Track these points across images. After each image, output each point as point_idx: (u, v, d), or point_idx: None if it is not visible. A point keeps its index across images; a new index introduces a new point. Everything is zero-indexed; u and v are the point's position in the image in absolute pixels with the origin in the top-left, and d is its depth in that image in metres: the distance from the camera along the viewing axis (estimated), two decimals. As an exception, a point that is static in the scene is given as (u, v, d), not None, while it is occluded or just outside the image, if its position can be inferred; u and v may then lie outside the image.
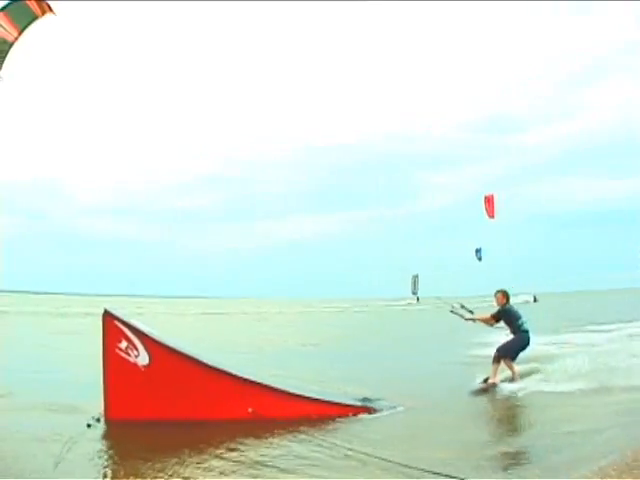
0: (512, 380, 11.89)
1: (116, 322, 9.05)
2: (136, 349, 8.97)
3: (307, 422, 9.23)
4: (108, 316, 9.06)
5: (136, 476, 6.83)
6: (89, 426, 8.66)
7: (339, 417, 9.63)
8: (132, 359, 8.98)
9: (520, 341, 12.01)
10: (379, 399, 10.67)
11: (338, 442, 8.16)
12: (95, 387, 9.16)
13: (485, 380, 11.95)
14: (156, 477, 6.76)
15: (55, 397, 10.87)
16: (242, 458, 7.52)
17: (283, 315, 56.85)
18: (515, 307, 12.45)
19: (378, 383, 12.19)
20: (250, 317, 52.73)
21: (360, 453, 7.59)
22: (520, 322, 12.12)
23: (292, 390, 9.93)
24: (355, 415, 9.79)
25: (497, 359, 11.96)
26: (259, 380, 9.73)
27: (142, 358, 8.99)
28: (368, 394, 10.94)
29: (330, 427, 9.16)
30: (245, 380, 9.54)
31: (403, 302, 73.93)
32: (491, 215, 34.69)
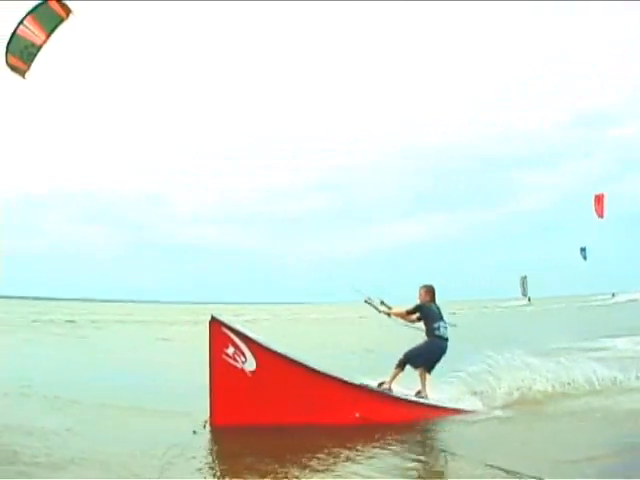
0: (418, 394, 10.38)
1: (223, 328, 9.34)
2: (243, 355, 9.25)
3: (415, 427, 9.43)
4: (215, 322, 9.37)
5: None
6: (195, 432, 8.95)
7: (444, 420, 9.83)
8: (239, 365, 9.26)
9: (432, 347, 10.47)
10: (481, 401, 10.89)
11: (446, 447, 8.29)
12: (201, 393, 9.47)
13: (380, 384, 10.37)
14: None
15: (162, 403, 11.32)
16: (352, 467, 7.63)
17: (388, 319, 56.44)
18: (438, 309, 10.81)
19: (480, 384, 12.13)
20: (356, 321, 52.77)
21: (473, 460, 7.65)
22: (436, 325, 10.50)
23: (398, 394, 10.10)
24: (459, 417, 10.00)
25: (401, 364, 10.38)
26: (365, 384, 9.92)
27: (249, 364, 9.26)
28: (469, 396, 11.20)
29: (437, 431, 9.35)
30: (352, 384, 9.70)
31: (515, 303, 72.63)
32: (600, 215, 33.97)
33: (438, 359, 10.44)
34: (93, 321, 45.49)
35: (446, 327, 10.60)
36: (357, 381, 9.93)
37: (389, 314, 11.13)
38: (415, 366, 10.43)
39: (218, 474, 7.46)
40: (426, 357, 10.40)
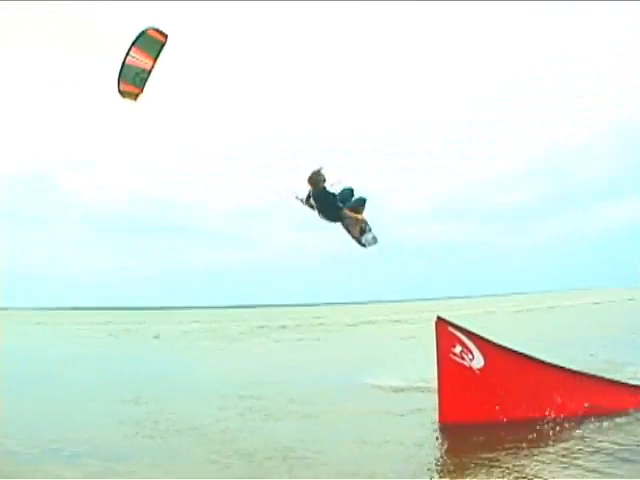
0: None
1: (449, 328, 9.70)
2: (470, 352, 9.56)
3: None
4: (441, 322, 9.75)
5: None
6: (427, 430, 9.52)
7: None
8: (467, 363, 9.58)
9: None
10: None
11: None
12: (430, 391, 10.10)
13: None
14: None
15: (393, 401, 12.01)
16: (591, 461, 7.62)
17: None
18: (326, 197, 10.03)
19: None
20: (591, 308, 51.23)
21: None
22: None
23: (627, 381, 10.09)
24: None
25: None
26: (593, 373, 9.97)
27: (477, 361, 9.57)
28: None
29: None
30: (581, 374, 9.79)
31: None
32: None
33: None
34: (320, 324, 47.41)
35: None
36: None
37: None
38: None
39: (452, 472, 7.71)
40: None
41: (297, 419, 10.92)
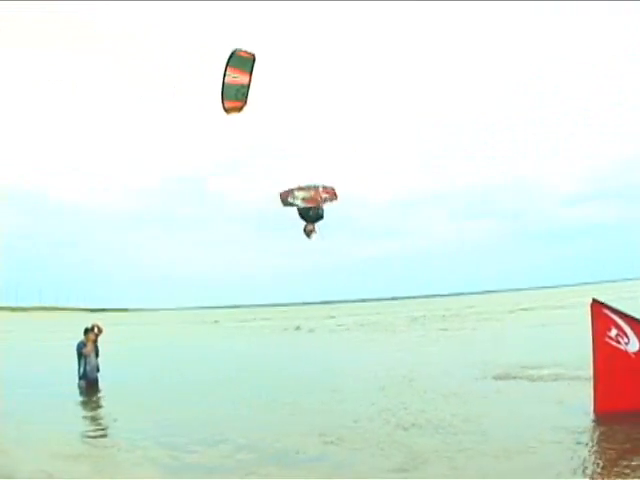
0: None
1: (604, 310, 9.30)
2: (626, 336, 9.10)
3: None
4: (596, 305, 9.37)
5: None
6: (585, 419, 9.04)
7: None
8: (622, 347, 9.12)
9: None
10: None
11: None
12: (586, 378, 9.76)
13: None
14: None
15: (548, 389, 11.83)
16: None
17: None
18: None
19: None
20: None
21: None
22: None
23: None
24: None
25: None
26: None
27: (632, 345, 9.09)
28: None
29: None
30: None
31: None
32: None
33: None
34: (475, 313, 47.05)
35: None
36: None
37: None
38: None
39: (605, 471, 7.11)
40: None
41: (453, 411, 10.67)
